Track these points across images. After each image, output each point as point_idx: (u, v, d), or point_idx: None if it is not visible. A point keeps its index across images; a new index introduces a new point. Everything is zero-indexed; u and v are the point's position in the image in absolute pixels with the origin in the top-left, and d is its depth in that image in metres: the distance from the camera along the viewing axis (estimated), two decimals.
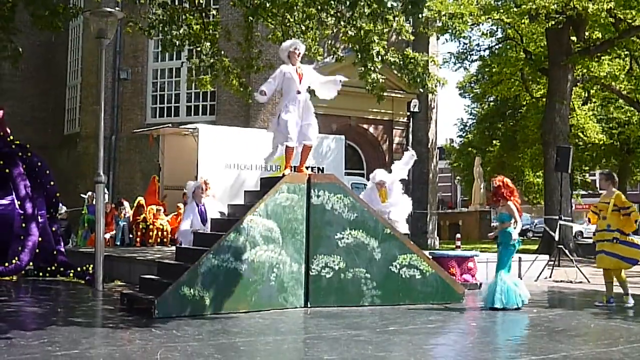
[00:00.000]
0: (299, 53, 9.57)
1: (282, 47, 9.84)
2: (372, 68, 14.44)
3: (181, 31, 14.44)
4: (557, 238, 15.48)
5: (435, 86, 18.08)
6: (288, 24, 14.50)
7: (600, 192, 10.18)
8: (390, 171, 12.20)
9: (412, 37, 16.45)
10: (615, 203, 9.49)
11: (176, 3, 16.97)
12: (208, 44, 14.93)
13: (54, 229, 13.57)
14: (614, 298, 9.77)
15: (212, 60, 15.22)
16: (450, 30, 21.69)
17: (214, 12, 21.09)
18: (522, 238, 9.64)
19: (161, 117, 23.72)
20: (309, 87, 9.66)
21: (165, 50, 16.46)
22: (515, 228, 9.37)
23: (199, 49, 15.07)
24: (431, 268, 9.94)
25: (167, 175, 17.62)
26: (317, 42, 15.82)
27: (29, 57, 21.87)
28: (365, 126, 25.02)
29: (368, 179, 13.57)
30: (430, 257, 10.81)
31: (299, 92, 9.38)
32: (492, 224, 34.75)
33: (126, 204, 17.01)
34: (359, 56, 14.56)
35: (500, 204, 9.47)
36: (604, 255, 9.58)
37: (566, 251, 15.78)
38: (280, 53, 9.85)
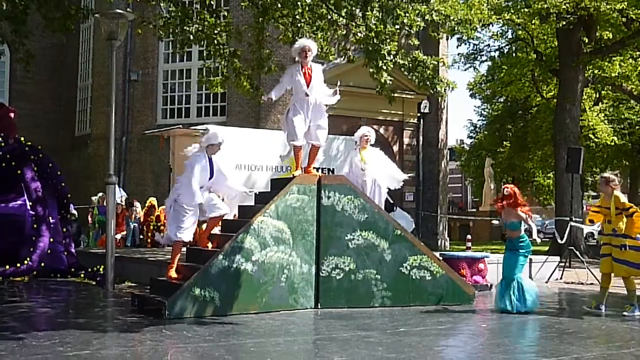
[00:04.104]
0: (310, 53, 9.46)
1: (293, 47, 9.79)
2: (384, 67, 14.38)
3: (193, 29, 14.44)
4: (562, 240, 15.40)
5: (445, 90, 18.01)
6: (299, 25, 14.48)
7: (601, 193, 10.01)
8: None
9: (416, 41, 16.48)
10: (617, 206, 9.27)
11: (187, 4, 16.99)
12: (221, 43, 14.91)
13: (64, 230, 13.64)
14: (604, 305, 9.42)
15: (227, 58, 15.19)
16: (458, 35, 21.65)
17: (225, 12, 21.12)
18: (532, 239, 9.57)
19: (172, 118, 23.76)
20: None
21: (176, 51, 16.47)
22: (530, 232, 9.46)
23: (210, 48, 15.06)
24: (441, 269, 9.93)
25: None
26: (328, 42, 15.80)
27: (40, 59, 21.91)
28: (375, 127, 24.89)
29: None
30: (441, 258, 10.79)
31: (307, 95, 9.35)
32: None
33: (137, 204, 17.05)
34: (370, 56, 14.50)
35: (510, 210, 9.36)
36: (613, 262, 9.29)
37: (577, 252, 15.69)
38: (292, 53, 9.82)
